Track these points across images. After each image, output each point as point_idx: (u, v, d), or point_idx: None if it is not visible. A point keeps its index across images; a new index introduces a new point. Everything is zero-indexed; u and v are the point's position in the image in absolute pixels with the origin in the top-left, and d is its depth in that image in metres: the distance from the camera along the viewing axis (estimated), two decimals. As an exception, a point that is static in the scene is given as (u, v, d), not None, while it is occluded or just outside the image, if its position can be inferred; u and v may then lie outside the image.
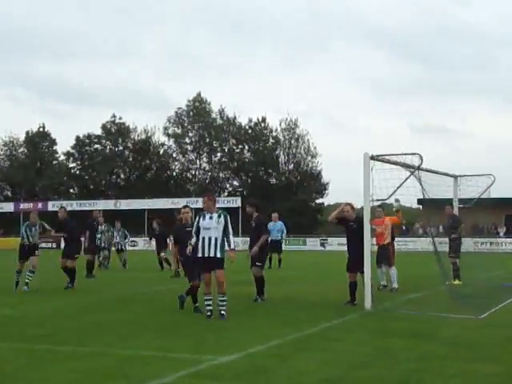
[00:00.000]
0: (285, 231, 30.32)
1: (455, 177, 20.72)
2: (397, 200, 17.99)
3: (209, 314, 13.11)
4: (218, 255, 13.00)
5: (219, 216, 13.20)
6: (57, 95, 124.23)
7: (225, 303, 13.08)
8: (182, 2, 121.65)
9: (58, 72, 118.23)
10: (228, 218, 13.31)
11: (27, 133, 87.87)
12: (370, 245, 15.05)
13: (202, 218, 13.27)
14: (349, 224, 15.66)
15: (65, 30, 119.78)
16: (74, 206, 63.52)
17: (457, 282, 19.95)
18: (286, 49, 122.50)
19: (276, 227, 29.42)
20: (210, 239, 13.04)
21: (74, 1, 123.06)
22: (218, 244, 13.00)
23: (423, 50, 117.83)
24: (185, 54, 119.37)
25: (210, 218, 13.22)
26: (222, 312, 13.01)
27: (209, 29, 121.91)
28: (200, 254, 13.10)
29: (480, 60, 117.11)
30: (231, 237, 13.22)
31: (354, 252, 15.32)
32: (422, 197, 16.38)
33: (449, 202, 21.03)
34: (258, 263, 16.13)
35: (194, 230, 13.38)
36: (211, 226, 13.09)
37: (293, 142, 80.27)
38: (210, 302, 13.17)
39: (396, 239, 20.50)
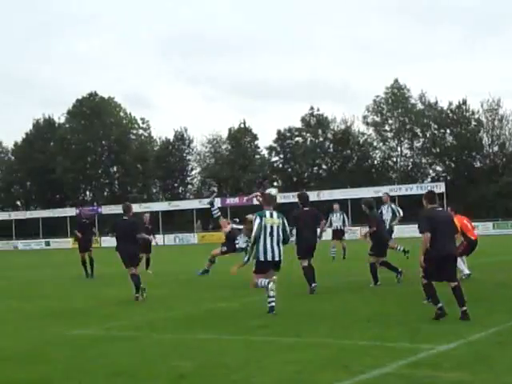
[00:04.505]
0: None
1: None
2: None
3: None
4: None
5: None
6: (247, 92, 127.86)
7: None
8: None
9: (243, 69, 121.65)
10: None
11: (229, 130, 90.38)
12: None
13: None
14: None
15: (245, 29, 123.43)
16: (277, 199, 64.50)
17: None
18: (473, 28, 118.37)
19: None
20: None
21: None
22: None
23: None
24: (367, 42, 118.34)
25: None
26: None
27: (390, 17, 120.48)
28: None
29: None
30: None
31: None
32: None
33: None
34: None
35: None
36: None
37: (496, 122, 77.52)
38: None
39: None
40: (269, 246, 13.00)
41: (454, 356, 8.47)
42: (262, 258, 13.05)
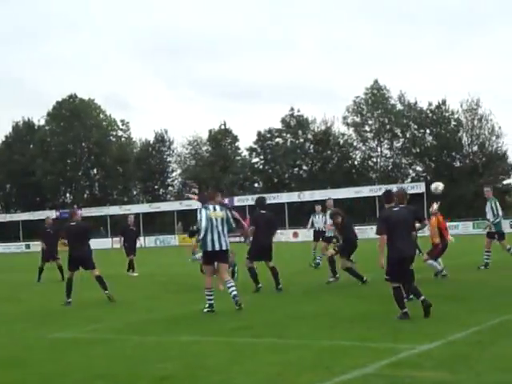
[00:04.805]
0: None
1: None
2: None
3: None
4: None
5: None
6: (227, 93, 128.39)
7: None
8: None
9: (223, 71, 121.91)
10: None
11: (210, 131, 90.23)
12: None
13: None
14: None
15: (225, 31, 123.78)
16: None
17: None
18: (452, 29, 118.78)
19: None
20: None
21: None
22: None
23: None
24: (344, 43, 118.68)
25: None
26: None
27: (369, 18, 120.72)
28: None
29: None
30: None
31: None
32: None
33: None
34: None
35: None
36: None
37: (475, 122, 77.75)
38: None
39: None
40: (216, 237, 13.62)
41: (434, 356, 8.47)
42: (209, 249, 13.66)
